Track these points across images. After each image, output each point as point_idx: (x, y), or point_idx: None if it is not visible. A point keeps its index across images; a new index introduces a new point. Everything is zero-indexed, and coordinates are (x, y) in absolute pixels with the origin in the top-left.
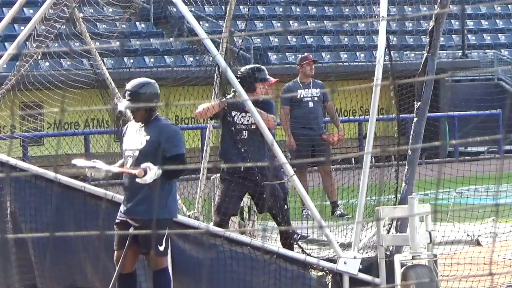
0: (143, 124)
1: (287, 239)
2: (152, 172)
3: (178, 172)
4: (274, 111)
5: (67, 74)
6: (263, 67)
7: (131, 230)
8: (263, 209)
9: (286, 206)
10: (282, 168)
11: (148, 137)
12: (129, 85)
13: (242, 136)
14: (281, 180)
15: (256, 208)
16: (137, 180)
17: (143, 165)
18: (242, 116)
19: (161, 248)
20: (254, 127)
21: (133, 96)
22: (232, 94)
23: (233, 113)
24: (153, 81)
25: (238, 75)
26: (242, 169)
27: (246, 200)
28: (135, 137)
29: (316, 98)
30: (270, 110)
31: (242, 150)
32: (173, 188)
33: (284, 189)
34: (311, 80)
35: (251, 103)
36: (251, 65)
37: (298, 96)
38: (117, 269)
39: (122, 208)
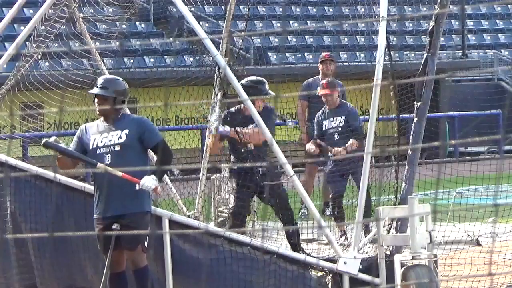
0: (108, 123)
1: (294, 240)
2: (149, 179)
3: (170, 159)
4: (271, 125)
5: (67, 74)
6: (264, 80)
7: (115, 227)
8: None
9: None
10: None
11: (126, 131)
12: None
13: (249, 149)
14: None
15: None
16: (140, 187)
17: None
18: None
19: (146, 244)
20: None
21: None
22: (220, 114)
23: (238, 129)
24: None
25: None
26: (255, 175)
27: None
28: (108, 134)
29: None
30: (267, 122)
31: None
32: None
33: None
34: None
35: (252, 105)
36: (254, 78)
37: (317, 93)
38: (105, 270)
39: (101, 211)
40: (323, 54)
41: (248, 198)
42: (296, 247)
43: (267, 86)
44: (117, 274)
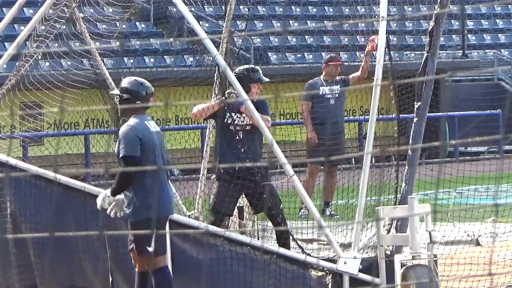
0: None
1: (286, 239)
2: (99, 199)
3: (129, 176)
4: (268, 111)
5: (67, 74)
6: (257, 67)
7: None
8: (262, 209)
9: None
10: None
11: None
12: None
13: (237, 137)
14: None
15: (251, 208)
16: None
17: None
18: (237, 117)
19: (150, 249)
20: (249, 128)
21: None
22: (228, 95)
23: (228, 114)
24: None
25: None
26: (236, 169)
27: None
28: None
29: (337, 95)
30: (264, 110)
31: (242, 151)
32: (146, 188)
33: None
34: (335, 79)
35: (251, 103)
36: (246, 66)
37: (320, 93)
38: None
39: None
40: (333, 55)
41: (229, 197)
42: (287, 245)
43: (260, 72)
44: (144, 273)
